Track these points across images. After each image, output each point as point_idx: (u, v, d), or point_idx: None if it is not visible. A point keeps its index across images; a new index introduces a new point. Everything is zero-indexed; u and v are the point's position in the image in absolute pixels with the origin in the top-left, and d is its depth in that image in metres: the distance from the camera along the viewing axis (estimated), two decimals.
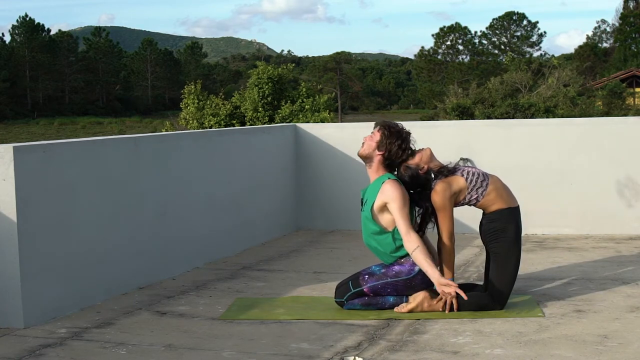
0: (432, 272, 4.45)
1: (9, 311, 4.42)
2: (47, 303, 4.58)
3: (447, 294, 4.44)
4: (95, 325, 4.48)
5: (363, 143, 4.79)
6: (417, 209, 4.76)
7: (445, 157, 4.84)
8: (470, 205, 4.70)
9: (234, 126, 25.10)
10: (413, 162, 4.67)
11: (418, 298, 4.56)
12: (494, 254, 4.65)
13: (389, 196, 4.54)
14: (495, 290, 4.59)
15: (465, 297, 4.43)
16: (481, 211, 4.77)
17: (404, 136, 4.69)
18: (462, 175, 4.63)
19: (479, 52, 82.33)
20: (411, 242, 4.48)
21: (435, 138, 7.00)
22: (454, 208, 4.68)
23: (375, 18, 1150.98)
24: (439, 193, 4.58)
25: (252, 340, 4.12)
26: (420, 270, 4.56)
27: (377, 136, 4.72)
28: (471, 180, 4.62)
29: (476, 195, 4.62)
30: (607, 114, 35.16)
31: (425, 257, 4.45)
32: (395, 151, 4.65)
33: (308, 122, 24.63)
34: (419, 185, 4.68)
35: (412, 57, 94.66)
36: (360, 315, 4.55)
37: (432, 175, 4.65)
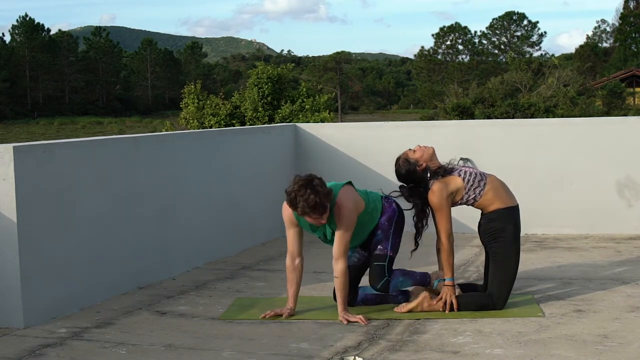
0: (340, 303, 4.48)
1: (9, 311, 4.42)
2: (47, 303, 4.58)
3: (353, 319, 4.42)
4: (95, 325, 4.49)
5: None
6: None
7: (445, 157, 4.83)
8: (468, 205, 4.70)
9: (234, 126, 25.10)
10: (414, 156, 4.67)
11: (418, 298, 4.56)
12: (493, 254, 4.65)
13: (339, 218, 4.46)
14: (495, 290, 4.59)
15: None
16: (480, 211, 4.77)
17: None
18: (459, 175, 4.62)
19: (479, 52, 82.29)
20: (336, 269, 4.46)
21: (435, 138, 7.00)
22: (453, 208, 4.68)
23: (377, 18, 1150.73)
24: (435, 193, 4.57)
25: (252, 340, 4.12)
26: (398, 206, 4.65)
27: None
28: (468, 180, 4.61)
29: (474, 195, 4.62)
30: (607, 113, 35.17)
31: (339, 289, 4.47)
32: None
33: (308, 122, 24.63)
34: (413, 180, 4.68)
35: (412, 57, 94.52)
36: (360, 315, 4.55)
37: (428, 175, 4.63)
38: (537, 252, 6.41)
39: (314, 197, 4.26)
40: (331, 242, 4.60)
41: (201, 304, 4.95)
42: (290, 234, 4.59)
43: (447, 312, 4.52)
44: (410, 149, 4.76)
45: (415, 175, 4.65)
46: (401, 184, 4.76)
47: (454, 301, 4.53)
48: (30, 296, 4.46)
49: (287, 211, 4.53)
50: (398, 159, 4.74)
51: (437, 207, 4.58)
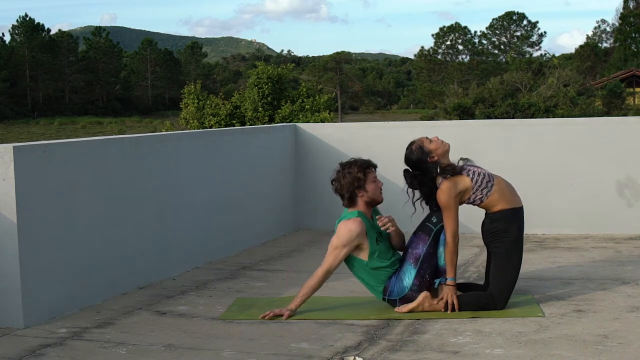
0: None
1: (9, 311, 4.42)
2: (47, 303, 4.58)
3: None
4: (95, 325, 4.48)
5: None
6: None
7: None
8: (474, 205, 4.69)
9: (234, 126, 25.11)
10: (429, 146, 4.65)
11: (419, 298, 4.56)
12: (495, 254, 4.64)
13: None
14: (495, 290, 4.58)
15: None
16: (483, 211, 4.76)
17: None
18: (468, 175, 4.61)
19: (479, 52, 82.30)
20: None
21: None
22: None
23: (378, 18, 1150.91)
24: (444, 192, 4.56)
25: (252, 340, 4.12)
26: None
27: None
28: (477, 181, 4.60)
29: (480, 196, 4.61)
30: (607, 114, 35.21)
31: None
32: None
33: (308, 122, 24.63)
34: (420, 169, 4.65)
35: (412, 57, 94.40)
36: (360, 315, 4.55)
37: (438, 170, 4.62)
38: (537, 252, 6.41)
39: (362, 161, 4.71)
40: (385, 239, 4.67)
41: (201, 304, 4.95)
42: (343, 253, 4.57)
43: (448, 312, 4.51)
44: (427, 138, 4.73)
45: (425, 165, 4.62)
46: (406, 168, 4.73)
47: (455, 301, 4.53)
48: (30, 296, 4.46)
49: (359, 224, 4.55)
50: (412, 143, 4.70)
51: (445, 205, 4.56)
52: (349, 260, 4.64)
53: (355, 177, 4.61)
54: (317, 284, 4.58)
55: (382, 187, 4.73)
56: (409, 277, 4.57)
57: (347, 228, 4.54)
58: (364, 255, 4.59)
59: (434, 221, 4.61)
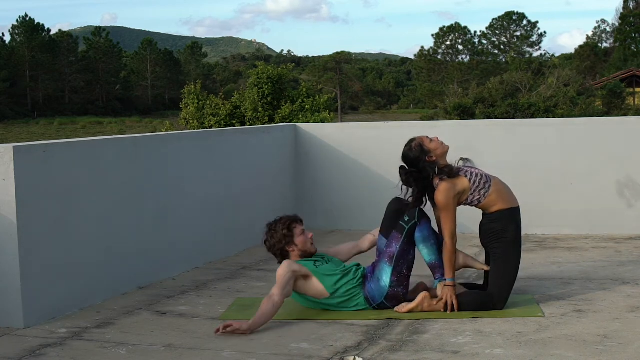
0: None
1: (9, 311, 4.42)
2: (47, 303, 4.58)
3: None
4: (95, 325, 4.49)
5: None
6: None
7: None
8: (471, 206, 4.69)
9: (234, 126, 25.11)
10: (429, 145, 4.64)
11: (418, 298, 4.56)
12: (494, 254, 4.64)
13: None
14: (495, 290, 4.58)
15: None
16: (480, 211, 4.76)
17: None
18: (466, 176, 4.61)
19: (479, 52, 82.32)
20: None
21: None
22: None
23: (378, 18, 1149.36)
24: (443, 193, 4.55)
25: (252, 340, 4.12)
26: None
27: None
28: (474, 182, 4.60)
29: (478, 197, 4.61)
30: (607, 114, 35.24)
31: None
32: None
33: (308, 122, 24.63)
34: (417, 167, 4.63)
35: (413, 57, 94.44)
36: (360, 315, 4.55)
37: (435, 170, 4.61)
38: (537, 252, 6.41)
39: (286, 217, 4.79)
40: (326, 261, 4.75)
41: (201, 304, 4.95)
42: (288, 278, 4.55)
43: (448, 312, 4.51)
44: (427, 136, 4.73)
45: (422, 163, 4.61)
46: (402, 165, 4.72)
47: (455, 302, 4.53)
48: (30, 296, 4.46)
49: (287, 262, 4.62)
50: (412, 140, 4.69)
51: (443, 206, 4.56)
52: (317, 304, 4.66)
53: (282, 234, 4.70)
54: (275, 311, 4.40)
55: (312, 236, 4.78)
56: (386, 275, 4.59)
57: (279, 269, 4.59)
58: (315, 288, 4.60)
59: (406, 219, 4.63)
